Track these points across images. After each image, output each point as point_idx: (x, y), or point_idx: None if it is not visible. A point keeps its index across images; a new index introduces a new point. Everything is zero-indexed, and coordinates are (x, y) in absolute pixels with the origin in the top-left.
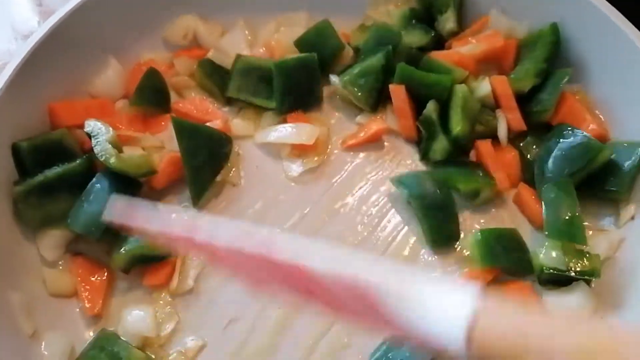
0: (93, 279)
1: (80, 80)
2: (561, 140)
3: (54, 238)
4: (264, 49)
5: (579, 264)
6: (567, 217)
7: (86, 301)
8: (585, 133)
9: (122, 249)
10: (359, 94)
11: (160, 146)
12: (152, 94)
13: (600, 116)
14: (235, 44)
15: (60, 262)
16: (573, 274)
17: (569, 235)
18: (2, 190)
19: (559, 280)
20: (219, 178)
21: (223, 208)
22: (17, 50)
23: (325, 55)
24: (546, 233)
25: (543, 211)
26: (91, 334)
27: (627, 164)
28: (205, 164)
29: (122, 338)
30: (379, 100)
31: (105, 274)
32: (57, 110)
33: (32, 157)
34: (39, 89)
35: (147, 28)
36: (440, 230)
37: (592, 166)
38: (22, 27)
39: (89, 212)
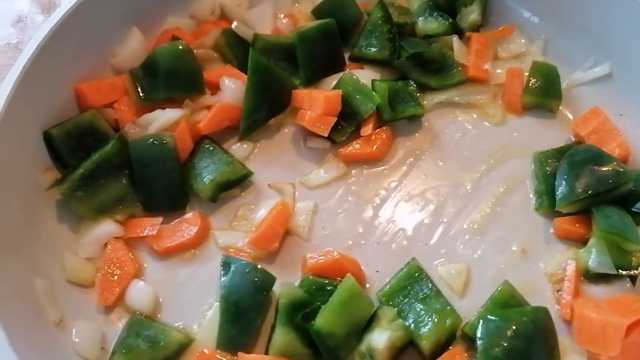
0: (115, 270)
1: (103, 54)
2: (591, 159)
3: (96, 235)
4: (287, 20)
5: (624, 264)
6: (618, 217)
7: (105, 291)
8: (616, 159)
9: (205, 178)
10: (374, 50)
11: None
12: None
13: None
14: (260, 16)
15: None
16: (620, 272)
17: (622, 230)
18: (29, 177)
19: (603, 275)
20: (272, 122)
21: None
22: (40, 26)
23: (344, 23)
24: (595, 235)
25: (593, 219)
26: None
27: None
28: (265, 103)
29: (155, 321)
30: (396, 49)
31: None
32: (84, 91)
33: (65, 143)
34: (63, 66)
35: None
36: None
37: (616, 192)
38: None
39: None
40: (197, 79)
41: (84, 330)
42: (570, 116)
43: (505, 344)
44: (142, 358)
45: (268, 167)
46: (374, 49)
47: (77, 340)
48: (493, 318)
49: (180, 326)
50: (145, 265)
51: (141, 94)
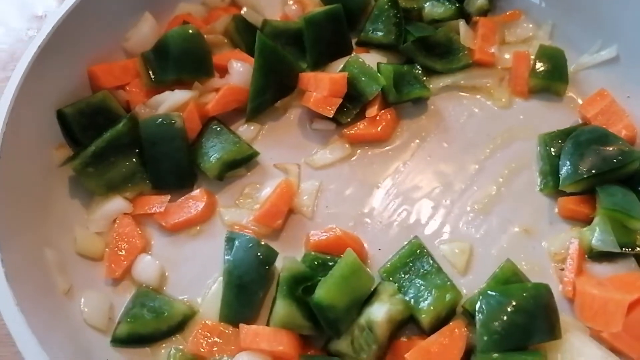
0: (123, 244)
1: (116, 37)
2: (596, 139)
3: (106, 211)
4: (295, 6)
5: (629, 242)
6: (622, 195)
7: (112, 264)
8: (622, 139)
9: (211, 157)
10: (380, 34)
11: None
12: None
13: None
14: (270, 2)
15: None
16: (625, 250)
17: (626, 208)
18: (43, 153)
19: (607, 254)
20: (278, 104)
21: None
22: (54, 11)
23: (352, 8)
24: (599, 213)
25: (598, 197)
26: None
27: None
28: (271, 85)
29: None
30: (402, 33)
31: (140, 240)
32: (97, 73)
33: (77, 121)
34: (77, 48)
35: None
36: None
37: (621, 171)
38: None
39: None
40: (206, 61)
41: (92, 300)
42: (578, 99)
43: (505, 318)
44: (147, 327)
45: (274, 147)
46: (380, 34)
47: (85, 309)
48: (493, 293)
49: (185, 299)
50: (152, 240)
51: (152, 76)
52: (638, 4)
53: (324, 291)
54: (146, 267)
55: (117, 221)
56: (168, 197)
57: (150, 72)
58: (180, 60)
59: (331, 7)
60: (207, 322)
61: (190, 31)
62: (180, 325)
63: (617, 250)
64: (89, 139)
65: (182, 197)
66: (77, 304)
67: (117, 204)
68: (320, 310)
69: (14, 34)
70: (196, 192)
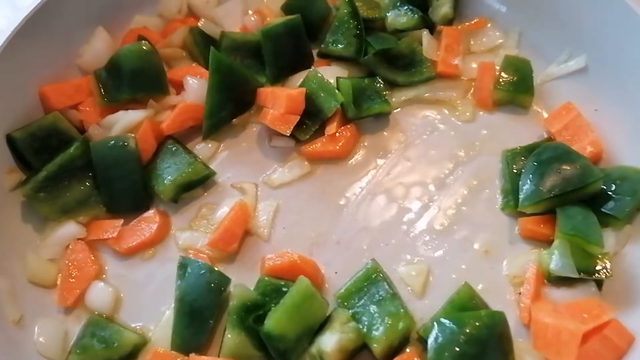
0: (75, 272)
1: (69, 54)
2: (558, 158)
3: (59, 236)
4: (255, 17)
5: (588, 268)
6: (582, 218)
7: (65, 292)
8: (585, 157)
9: (165, 180)
10: (340, 46)
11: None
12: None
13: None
14: (228, 13)
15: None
16: (583, 276)
17: (584, 233)
18: None
19: (567, 278)
20: (236, 120)
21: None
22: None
23: (313, 19)
24: (557, 237)
25: (557, 221)
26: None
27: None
28: (228, 102)
29: (113, 322)
30: (362, 45)
31: (92, 266)
32: (48, 94)
33: (29, 145)
34: (27, 69)
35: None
36: None
37: (583, 191)
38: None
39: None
40: (161, 79)
41: (47, 330)
42: (544, 112)
43: (457, 349)
44: (97, 358)
45: (232, 166)
46: (340, 46)
47: (40, 339)
48: (446, 321)
49: (139, 326)
50: (106, 266)
51: (105, 96)
52: (606, 11)
53: (274, 321)
54: (99, 295)
55: (70, 247)
56: (121, 221)
57: (103, 91)
58: (134, 78)
59: (290, 19)
60: (159, 350)
61: (144, 47)
62: (132, 354)
63: (576, 275)
64: (42, 162)
65: (135, 220)
66: (29, 334)
67: (70, 229)
68: (270, 340)
69: None
70: (149, 213)
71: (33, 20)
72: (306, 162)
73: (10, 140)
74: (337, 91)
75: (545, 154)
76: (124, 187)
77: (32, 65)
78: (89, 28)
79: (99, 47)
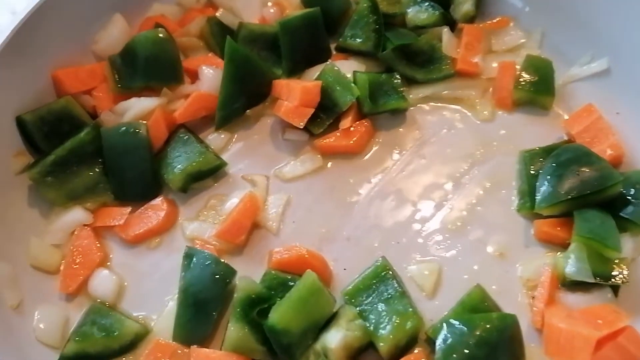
0: (79, 258)
1: (84, 40)
2: (577, 159)
3: (65, 222)
4: (274, 8)
5: (605, 272)
6: (600, 222)
7: (67, 278)
8: (605, 160)
9: (175, 168)
10: (359, 40)
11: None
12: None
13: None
14: (247, 4)
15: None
16: (599, 281)
17: (601, 236)
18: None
19: (582, 283)
20: (250, 112)
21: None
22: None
23: (332, 12)
24: (574, 240)
25: (574, 223)
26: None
27: None
28: (242, 93)
29: (115, 310)
30: (381, 40)
31: (97, 254)
32: (61, 78)
33: (38, 129)
34: (41, 52)
35: None
36: None
37: (601, 195)
38: None
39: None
40: (176, 67)
41: (47, 316)
42: (564, 114)
43: (466, 351)
44: (96, 346)
45: (244, 158)
46: (359, 40)
47: (40, 325)
48: (456, 323)
49: (142, 316)
50: (111, 253)
51: (118, 82)
52: (632, 14)
53: (279, 314)
54: (103, 282)
55: (76, 233)
56: (129, 209)
57: (117, 77)
58: (149, 66)
59: (308, 12)
60: (160, 341)
61: (160, 35)
62: (133, 344)
63: (592, 280)
64: (51, 146)
65: (142, 207)
66: (28, 319)
67: (77, 214)
68: (273, 334)
69: None
70: (157, 201)
71: (50, 4)
72: (319, 156)
73: (21, 123)
74: (353, 85)
75: (564, 156)
76: (133, 174)
77: (46, 49)
78: (106, 15)
79: (115, 34)
